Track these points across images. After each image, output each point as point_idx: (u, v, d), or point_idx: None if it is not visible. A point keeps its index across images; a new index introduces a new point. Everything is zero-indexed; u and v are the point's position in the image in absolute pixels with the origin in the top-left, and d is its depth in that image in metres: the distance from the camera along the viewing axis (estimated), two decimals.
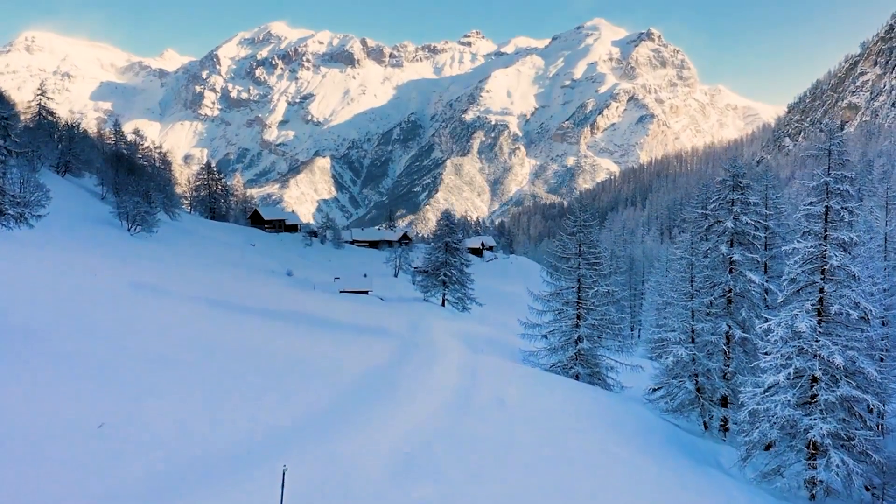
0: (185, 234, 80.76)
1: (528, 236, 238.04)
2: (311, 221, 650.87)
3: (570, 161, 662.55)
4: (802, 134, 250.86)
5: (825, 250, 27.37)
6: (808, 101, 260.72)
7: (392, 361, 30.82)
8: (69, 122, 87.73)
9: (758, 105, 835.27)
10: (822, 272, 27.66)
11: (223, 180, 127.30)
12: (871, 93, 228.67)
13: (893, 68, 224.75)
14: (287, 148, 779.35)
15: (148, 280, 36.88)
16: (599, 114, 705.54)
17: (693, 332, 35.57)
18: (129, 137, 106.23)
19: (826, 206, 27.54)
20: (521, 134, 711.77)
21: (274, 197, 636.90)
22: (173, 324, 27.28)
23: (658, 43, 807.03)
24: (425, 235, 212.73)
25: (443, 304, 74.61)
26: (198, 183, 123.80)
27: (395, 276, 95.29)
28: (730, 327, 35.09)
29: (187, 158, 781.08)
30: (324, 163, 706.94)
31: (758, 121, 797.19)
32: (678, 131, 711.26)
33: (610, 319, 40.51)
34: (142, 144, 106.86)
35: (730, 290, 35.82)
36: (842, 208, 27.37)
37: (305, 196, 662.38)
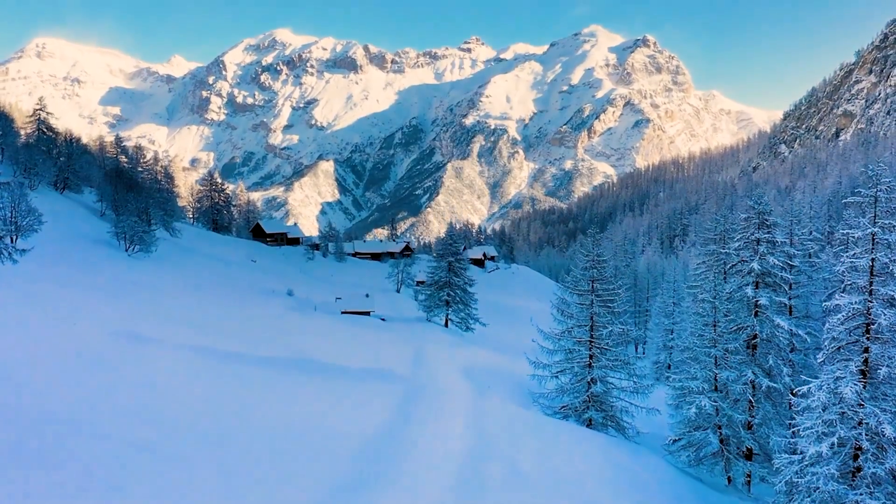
0: (184, 253, 77.52)
1: (528, 242, 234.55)
2: (315, 224, 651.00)
3: (568, 164, 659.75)
4: (798, 141, 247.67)
5: (871, 307, 24.21)
6: (803, 108, 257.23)
7: (393, 421, 27.63)
8: (68, 137, 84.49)
9: (751, 110, 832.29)
10: (868, 331, 24.50)
11: (226, 191, 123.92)
12: (867, 101, 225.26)
13: (888, 76, 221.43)
14: (291, 152, 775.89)
15: (134, 324, 33.66)
16: (596, 118, 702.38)
17: (716, 380, 32.39)
18: (131, 150, 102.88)
19: (872, 259, 24.38)
20: (519, 138, 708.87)
21: (279, 199, 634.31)
22: (152, 389, 24.07)
23: (653, 49, 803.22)
24: (427, 242, 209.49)
25: (446, 325, 71.44)
26: (200, 194, 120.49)
27: (398, 291, 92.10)
28: (755, 375, 31.92)
29: (194, 162, 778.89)
30: (327, 166, 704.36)
31: (751, 125, 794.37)
32: (673, 135, 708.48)
33: (625, 360, 37.29)
34: (143, 157, 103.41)
35: (755, 336, 32.68)
36: (890, 261, 24.19)
37: (309, 199, 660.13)
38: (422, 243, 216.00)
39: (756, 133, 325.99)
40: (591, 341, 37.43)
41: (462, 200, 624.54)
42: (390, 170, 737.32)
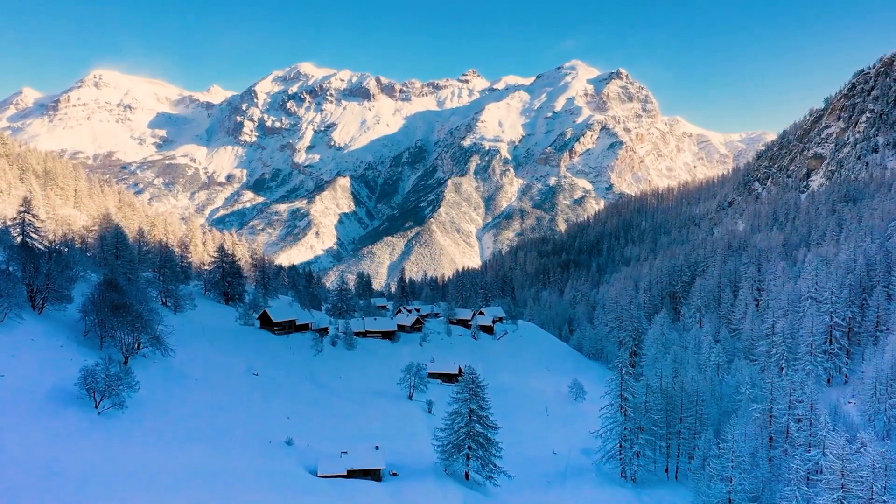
0: (174, 382, 58.64)
1: (525, 273, 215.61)
2: (334, 232, 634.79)
3: (552, 181, 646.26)
4: (770, 179, 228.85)
5: None
6: (775, 149, 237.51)
7: None
8: (51, 246, 65.34)
9: (709, 133, 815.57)
10: None
11: (237, 262, 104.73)
12: (836, 145, 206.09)
13: (856, 123, 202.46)
14: (313, 169, 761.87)
15: None
16: (576, 141, 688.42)
17: None
18: (133, 236, 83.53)
19: None
20: (510, 158, 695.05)
21: (302, 210, 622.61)
22: None
23: (626, 81, 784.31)
24: (433, 277, 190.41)
25: (466, 478, 53.00)
26: (212, 265, 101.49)
27: (410, 398, 73.30)
28: None
29: (230, 177, 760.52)
30: (344, 182, 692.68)
31: (709, 146, 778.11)
32: (643, 155, 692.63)
33: None
34: (146, 244, 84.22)
35: None
36: None
37: (329, 210, 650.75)
38: (429, 278, 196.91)
39: (731, 169, 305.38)
40: None
41: (461, 212, 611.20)
42: (398, 185, 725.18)
